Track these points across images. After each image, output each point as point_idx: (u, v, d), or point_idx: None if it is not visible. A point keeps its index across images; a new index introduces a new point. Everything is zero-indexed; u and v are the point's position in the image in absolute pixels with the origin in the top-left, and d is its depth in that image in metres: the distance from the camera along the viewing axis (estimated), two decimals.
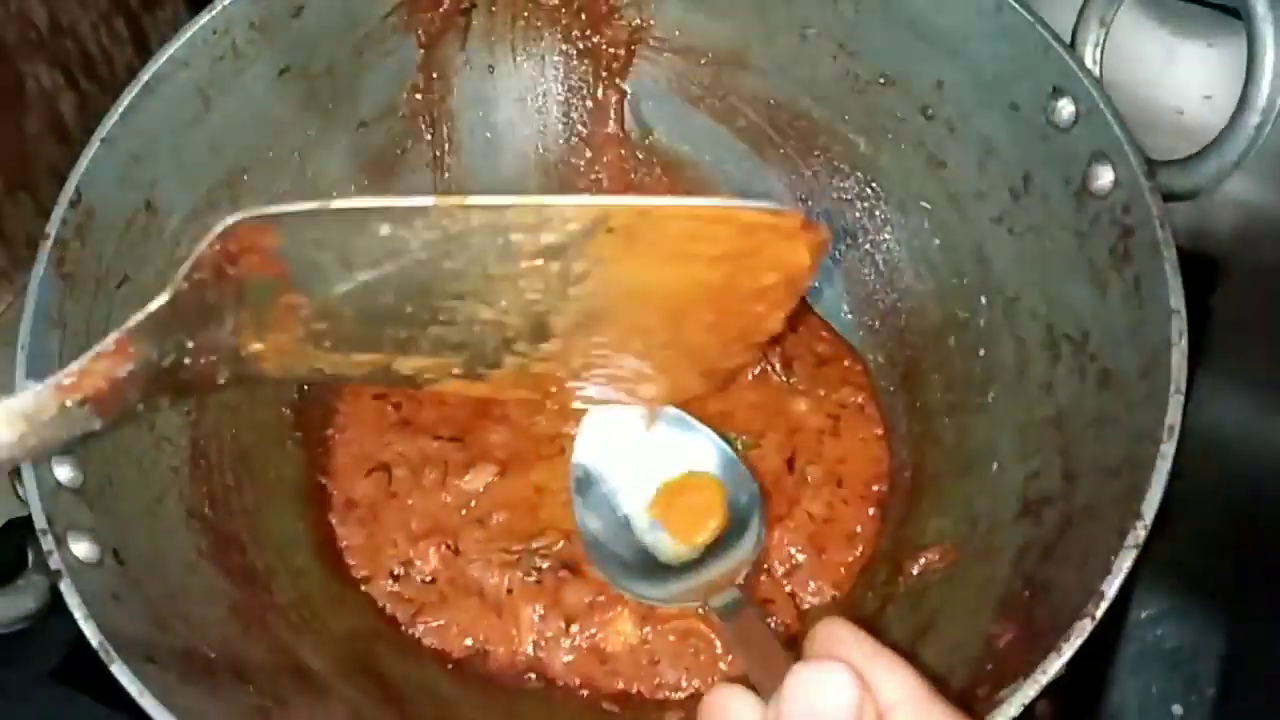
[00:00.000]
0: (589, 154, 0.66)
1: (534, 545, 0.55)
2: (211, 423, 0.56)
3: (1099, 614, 0.41)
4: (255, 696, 0.47)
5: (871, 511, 0.56)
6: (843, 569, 0.54)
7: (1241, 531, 0.58)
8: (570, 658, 0.53)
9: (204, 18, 0.55)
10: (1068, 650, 0.41)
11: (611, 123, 0.66)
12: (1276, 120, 0.48)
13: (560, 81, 0.66)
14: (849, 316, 0.62)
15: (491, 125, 0.66)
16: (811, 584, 0.54)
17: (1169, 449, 0.44)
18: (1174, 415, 0.44)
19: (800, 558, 0.55)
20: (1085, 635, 0.41)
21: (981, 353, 0.55)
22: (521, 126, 0.66)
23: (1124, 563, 0.41)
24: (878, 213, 0.61)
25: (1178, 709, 0.53)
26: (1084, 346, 0.50)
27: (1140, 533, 0.42)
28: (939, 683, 0.45)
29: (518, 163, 0.67)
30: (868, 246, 0.61)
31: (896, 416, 0.58)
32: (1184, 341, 0.45)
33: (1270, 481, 0.59)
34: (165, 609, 0.48)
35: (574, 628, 0.53)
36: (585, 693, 0.53)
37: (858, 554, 0.55)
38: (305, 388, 0.61)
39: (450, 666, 0.54)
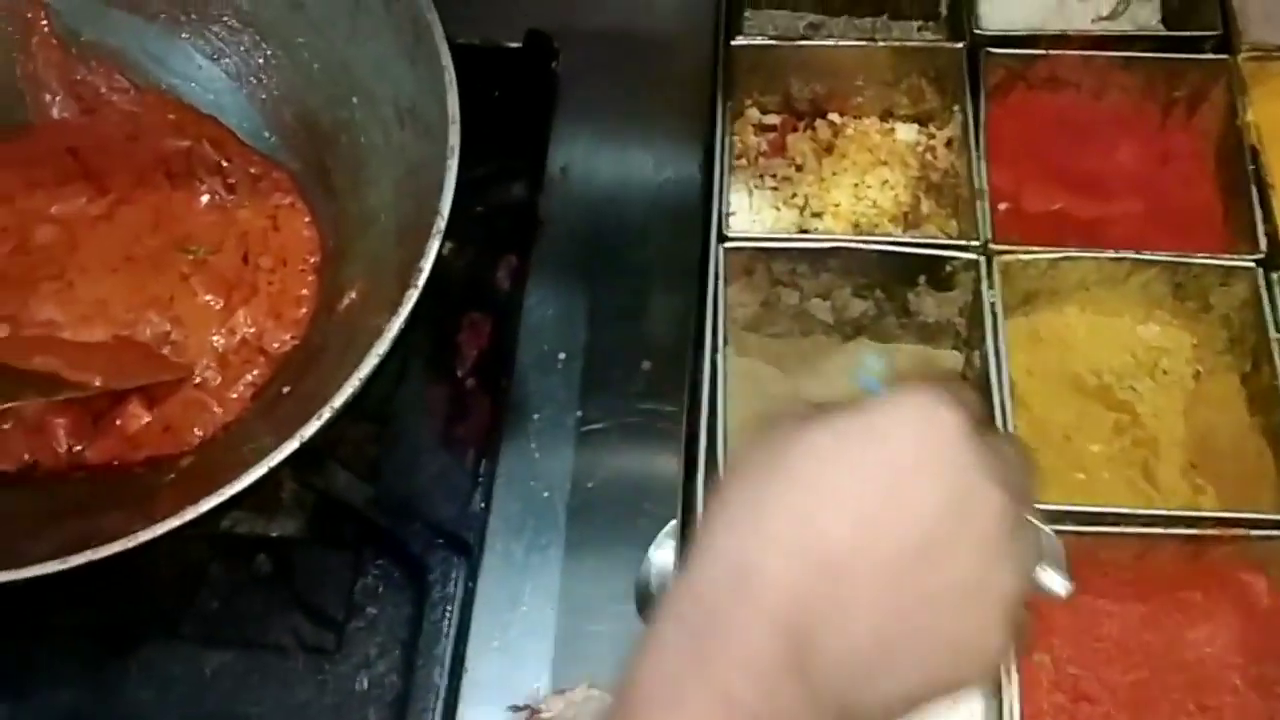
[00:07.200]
0: (32, 66, 0.78)
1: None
2: None
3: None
4: None
5: (310, 278, 0.73)
6: (296, 322, 0.71)
7: (593, 230, 0.78)
8: (102, 445, 0.68)
9: None
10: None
11: (44, 32, 0.78)
12: None
13: None
14: (270, 138, 0.77)
15: None
16: (275, 340, 0.71)
17: (453, 163, 0.62)
18: (454, 138, 0.63)
19: (268, 323, 0.71)
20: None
21: (362, 140, 0.73)
22: None
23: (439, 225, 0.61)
24: (269, 55, 0.76)
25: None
26: (414, 112, 0.68)
27: (442, 222, 0.61)
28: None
29: None
30: (271, 82, 0.77)
31: (318, 204, 0.75)
32: (454, 84, 0.64)
33: (613, 188, 0.80)
34: None
35: (100, 422, 0.68)
36: (117, 465, 0.68)
37: (305, 310, 0.72)
38: None
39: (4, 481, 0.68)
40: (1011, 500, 0.40)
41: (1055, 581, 0.43)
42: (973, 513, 0.40)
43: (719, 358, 0.62)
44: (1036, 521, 0.43)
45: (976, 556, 0.40)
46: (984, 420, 0.43)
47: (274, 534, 0.71)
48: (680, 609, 0.41)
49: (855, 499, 0.40)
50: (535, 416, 0.73)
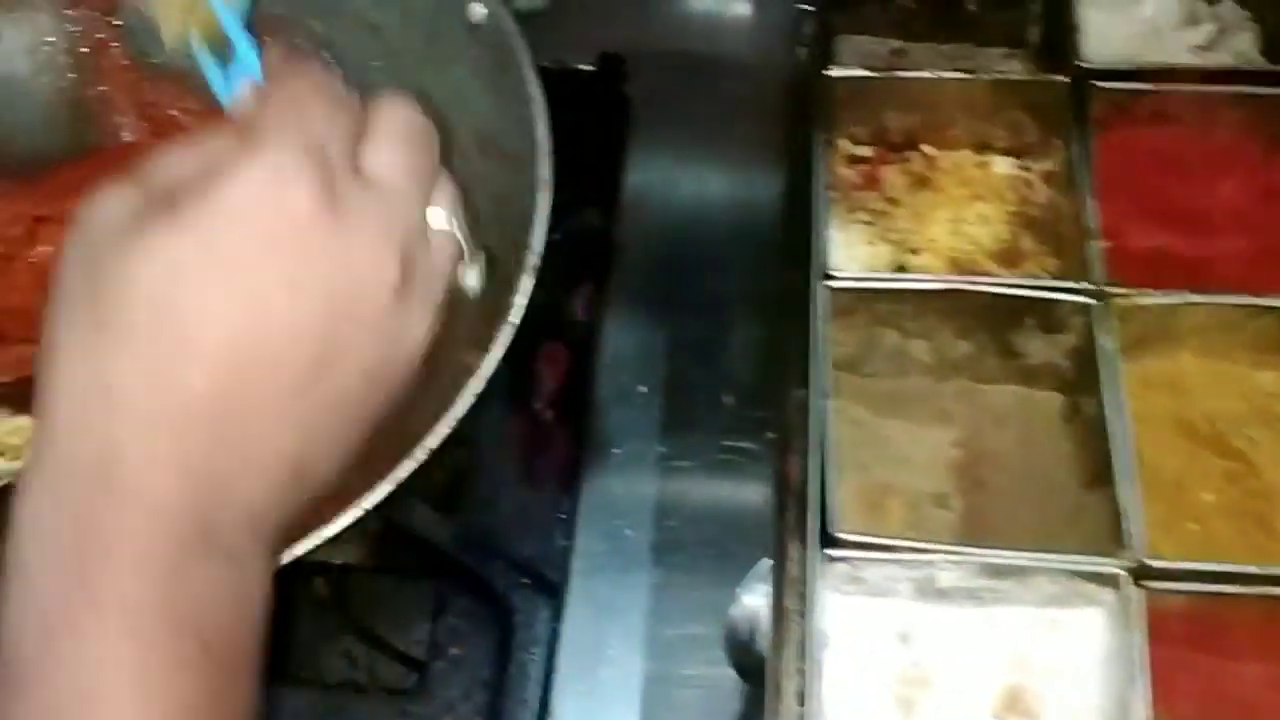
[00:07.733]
0: (104, 86, 0.77)
1: None
2: None
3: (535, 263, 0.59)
4: None
5: None
6: None
7: (669, 258, 0.77)
8: None
9: None
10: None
11: (115, 54, 0.77)
12: None
13: (62, 30, 0.76)
14: None
15: (13, 79, 0.75)
16: None
17: (544, 196, 0.61)
18: (546, 170, 0.61)
19: None
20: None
21: None
22: (40, 75, 0.76)
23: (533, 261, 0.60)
24: (342, 79, 0.75)
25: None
26: (496, 142, 0.66)
27: (535, 258, 0.60)
28: None
29: (47, 104, 0.76)
30: None
31: None
32: (545, 116, 0.62)
33: (689, 215, 0.79)
34: None
35: None
36: None
37: None
38: None
39: None
40: (400, 258, 0.39)
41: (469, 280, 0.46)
42: (358, 303, 0.38)
43: (825, 404, 0.60)
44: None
45: (375, 337, 0.39)
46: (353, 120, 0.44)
47: (337, 561, 0.70)
48: (39, 530, 0.35)
49: (215, 341, 0.35)
50: (615, 451, 0.71)
